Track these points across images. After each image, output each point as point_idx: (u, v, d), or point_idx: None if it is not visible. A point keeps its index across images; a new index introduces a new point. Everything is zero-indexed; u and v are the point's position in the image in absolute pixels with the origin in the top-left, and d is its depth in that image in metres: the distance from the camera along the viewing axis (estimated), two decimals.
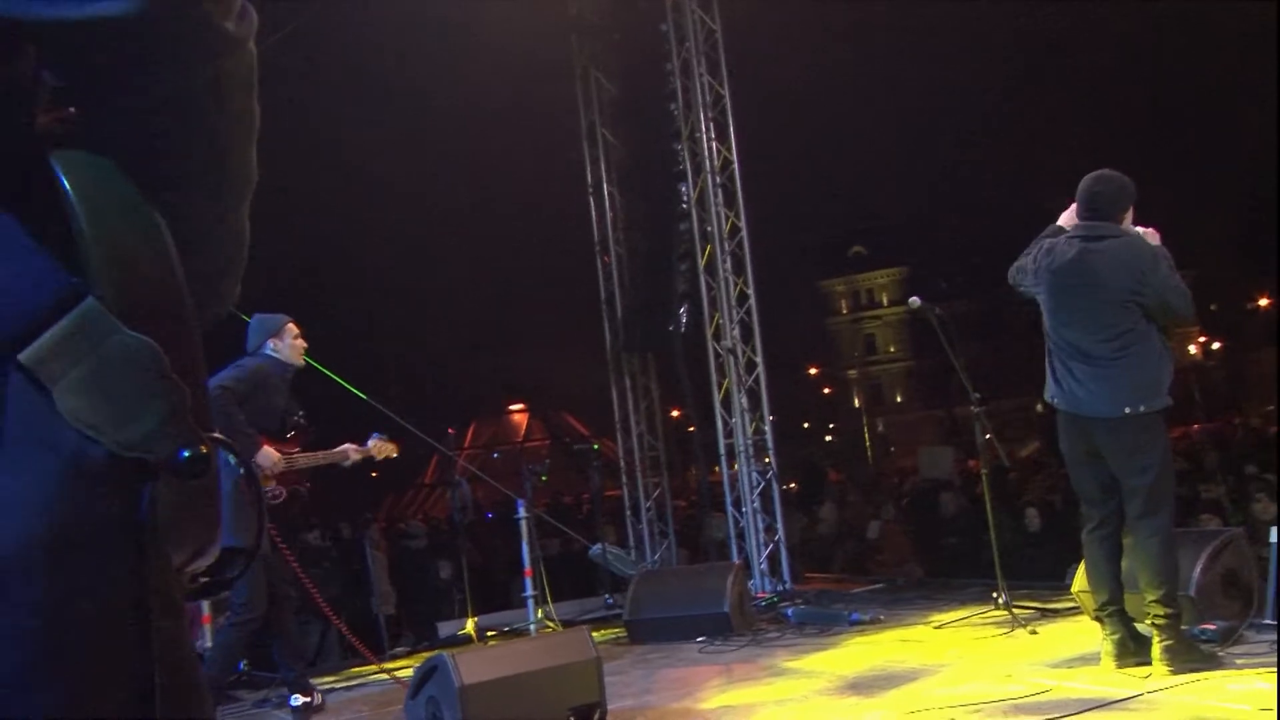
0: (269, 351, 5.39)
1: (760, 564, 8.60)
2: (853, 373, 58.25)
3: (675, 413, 14.92)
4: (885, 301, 57.77)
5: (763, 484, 8.72)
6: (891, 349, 58.45)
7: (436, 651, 4.85)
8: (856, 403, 57.52)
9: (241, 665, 6.72)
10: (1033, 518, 9.83)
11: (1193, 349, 49.99)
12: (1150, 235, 4.55)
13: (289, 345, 5.43)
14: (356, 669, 6.99)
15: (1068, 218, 4.69)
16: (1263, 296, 43.84)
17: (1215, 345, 47.52)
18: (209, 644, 6.60)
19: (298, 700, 5.49)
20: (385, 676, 6.22)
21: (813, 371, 56.13)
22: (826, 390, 57.53)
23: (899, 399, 57.83)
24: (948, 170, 48.95)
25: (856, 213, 56.70)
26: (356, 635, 9.18)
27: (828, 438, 54.55)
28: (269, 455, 5.23)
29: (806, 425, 54.38)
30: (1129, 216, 4.57)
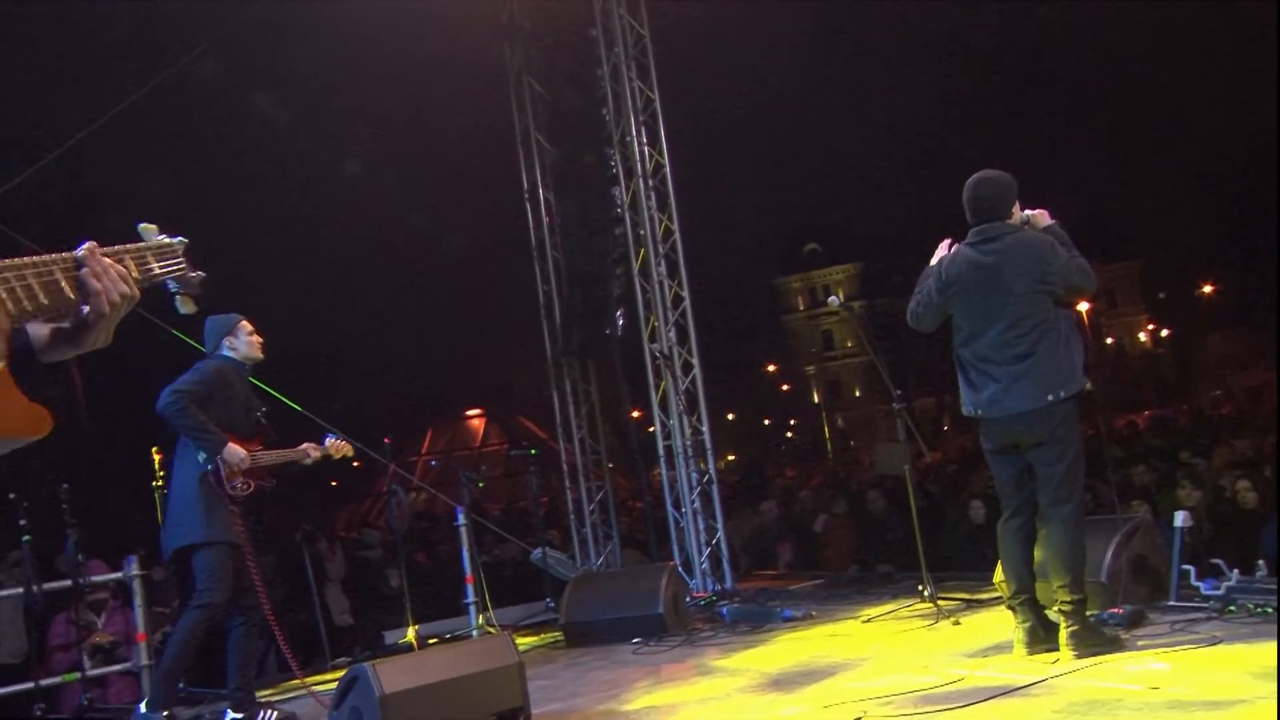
0: (225, 351, 5.46)
1: (701, 563, 8.68)
2: (811, 369, 58.62)
3: (635, 414, 14.99)
4: (841, 297, 58.18)
5: (700, 485, 8.79)
6: (849, 344, 58.77)
7: (359, 663, 4.87)
8: (815, 398, 57.89)
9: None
10: (977, 510, 9.97)
11: (1142, 336, 50.81)
12: (1041, 216, 4.68)
13: (244, 342, 5.49)
14: (293, 682, 6.97)
15: (943, 249, 4.81)
16: (1207, 283, 44.60)
17: (1164, 333, 48.29)
18: (144, 661, 6.57)
19: (232, 716, 5.48)
20: (321, 690, 6.21)
21: (771, 368, 56.41)
22: (785, 387, 57.83)
23: (857, 394, 58.23)
24: (899, 166, 49.42)
25: (810, 210, 57.13)
26: (301, 647, 9.18)
27: (788, 434, 54.89)
28: (236, 452, 5.28)
29: (767, 422, 54.70)
30: (1016, 211, 4.69)
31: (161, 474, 6.68)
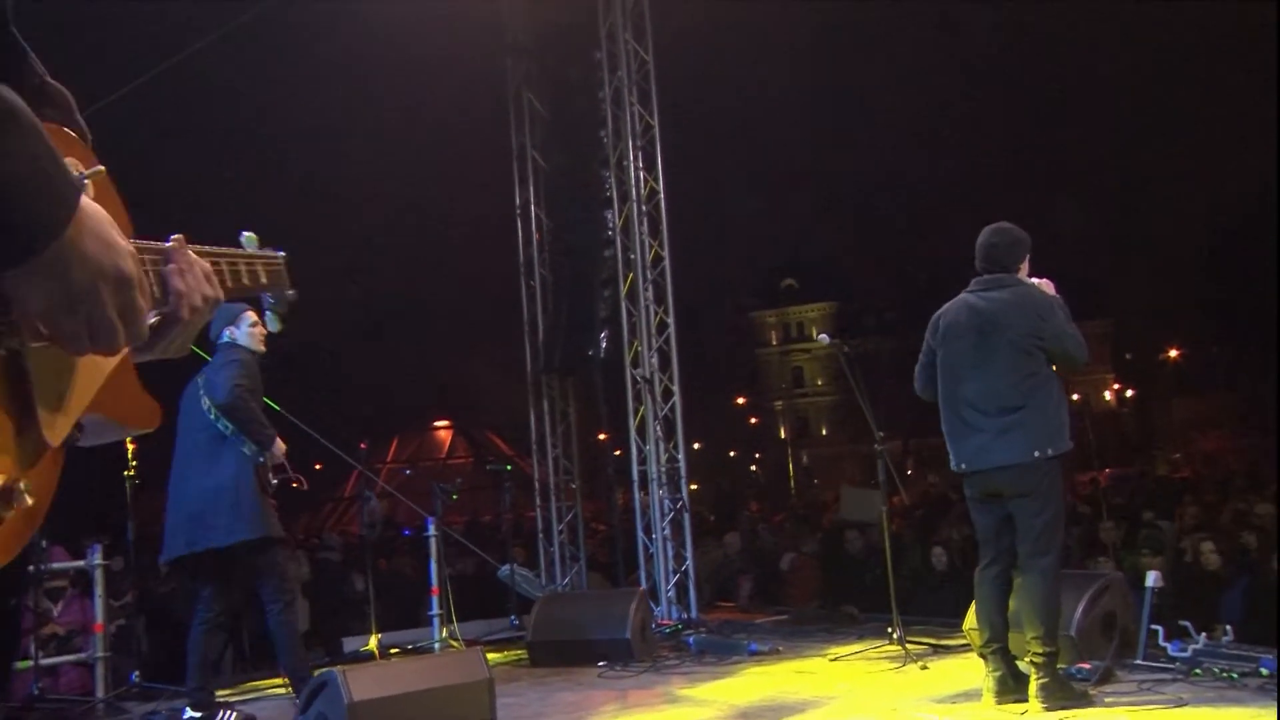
0: (225, 338, 5.44)
1: (668, 591, 8.67)
2: (779, 404, 58.78)
3: (602, 436, 14.97)
4: (814, 335, 58.41)
5: (673, 512, 8.80)
6: (819, 382, 59.06)
7: (331, 669, 4.82)
8: (782, 434, 58.04)
9: (134, 677, 6.59)
10: (939, 556, 10.03)
11: (1107, 395, 51.38)
12: (1045, 285, 4.73)
13: (245, 333, 5.47)
14: (252, 683, 6.89)
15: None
16: (1172, 348, 45.25)
17: (1129, 393, 48.87)
18: (99, 653, 6.46)
19: (191, 713, 5.40)
20: (280, 692, 6.15)
21: (740, 401, 56.52)
22: (753, 420, 57.94)
23: (824, 432, 58.43)
24: (879, 209, 49.88)
25: (790, 246, 57.48)
26: (257, 649, 9.07)
27: (753, 467, 54.93)
28: (280, 445, 5.34)
29: (732, 454, 54.72)
30: (1025, 267, 4.74)
31: (134, 463, 6.60)
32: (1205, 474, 21.94)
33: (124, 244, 0.96)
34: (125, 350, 1.07)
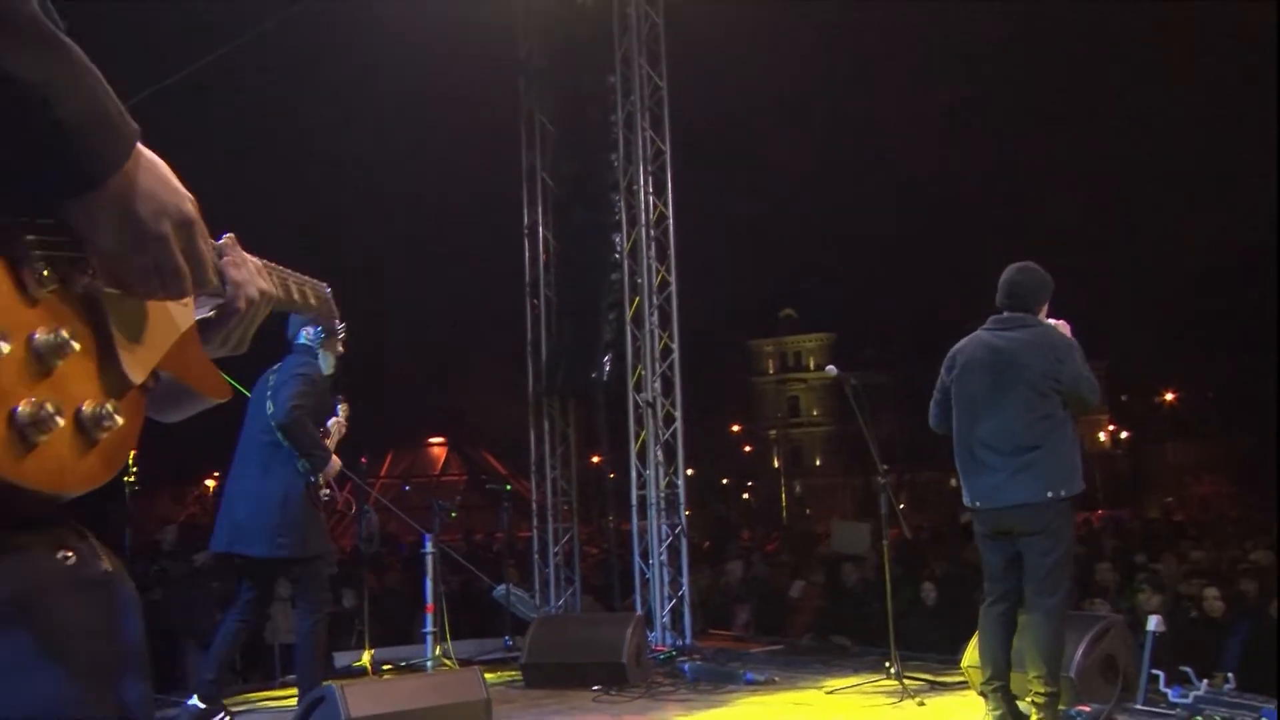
0: (302, 340, 5.39)
1: (663, 617, 8.63)
2: (774, 433, 58.75)
3: (596, 459, 14.94)
4: (811, 365, 58.50)
5: (671, 537, 8.77)
6: (814, 413, 59.12)
7: (328, 682, 4.79)
8: (776, 463, 57.96)
9: None
10: (929, 591, 10.00)
11: (1102, 436, 51.40)
12: (1062, 327, 4.73)
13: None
14: (241, 695, 6.84)
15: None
16: (1168, 391, 45.33)
17: (1123, 435, 48.92)
18: None
19: (195, 701, 5.35)
20: (270, 705, 6.11)
21: (735, 428, 56.49)
22: (747, 448, 57.90)
23: (818, 463, 58.42)
24: (881, 241, 50.06)
25: (790, 276, 57.62)
26: (249, 661, 9.01)
27: (745, 495, 54.84)
28: (335, 463, 5.33)
29: (726, 481, 54.63)
30: (1045, 309, 4.75)
31: (135, 469, 6.58)
32: (1200, 518, 21.98)
33: (183, 189, 1.00)
34: (193, 320, 1.10)
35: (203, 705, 5.22)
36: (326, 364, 5.34)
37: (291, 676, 8.05)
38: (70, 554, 0.94)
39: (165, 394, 1.10)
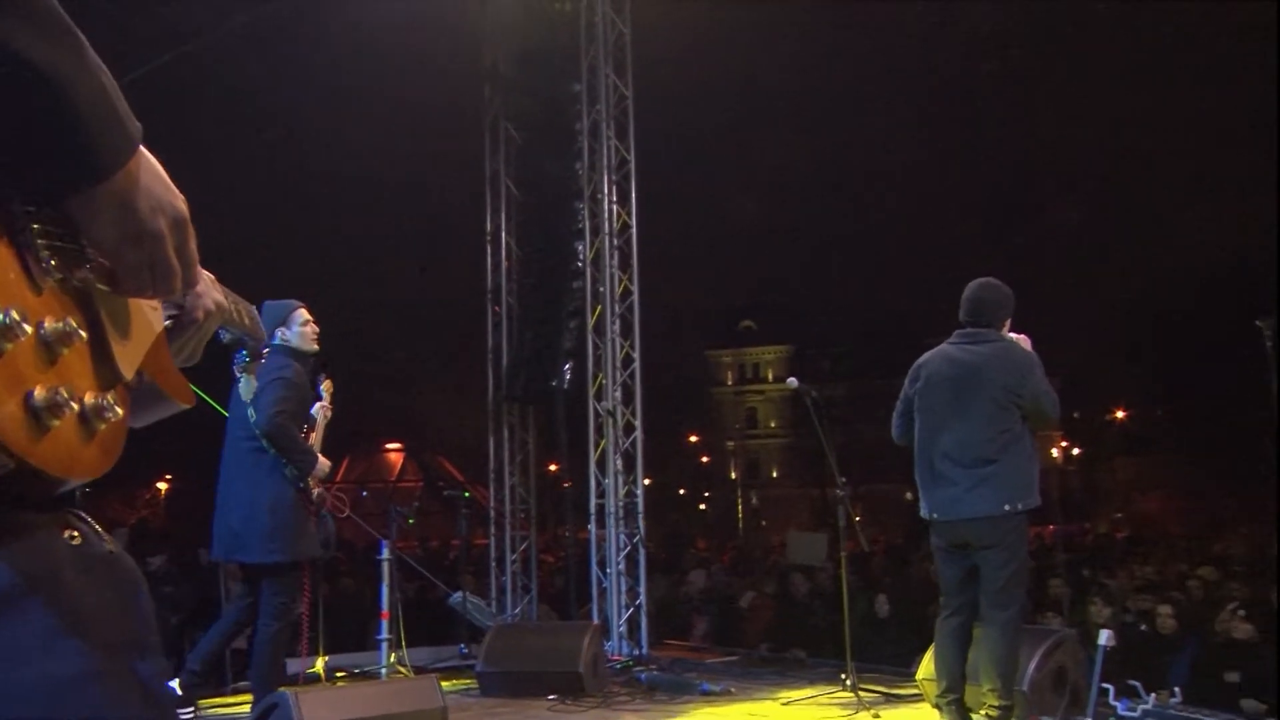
0: (277, 340, 5.26)
1: (619, 626, 8.62)
2: (731, 444, 58.90)
3: (553, 467, 14.90)
4: (770, 377, 58.77)
5: (629, 547, 8.77)
6: (772, 424, 59.32)
7: (282, 689, 4.74)
8: (733, 474, 58.11)
9: None
10: (882, 604, 10.09)
11: (1055, 452, 52.07)
12: (1023, 341, 4.81)
13: (298, 333, 5.29)
14: (196, 701, 6.72)
15: None
16: (1119, 408, 46.04)
17: (1075, 451, 49.56)
18: None
19: (174, 686, 5.26)
20: (223, 711, 6.02)
21: (693, 439, 56.56)
22: (705, 459, 57.98)
23: (774, 474, 58.61)
24: (841, 255, 50.42)
25: (750, 288, 57.82)
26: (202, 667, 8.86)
27: (701, 506, 54.91)
28: (323, 465, 5.25)
29: (682, 491, 54.68)
30: (1008, 324, 4.81)
31: None
32: (1146, 534, 22.35)
33: (176, 190, 1.02)
34: (162, 325, 1.12)
35: (179, 693, 5.14)
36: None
37: (244, 683, 7.96)
38: (76, 534, 0.95)
39: (139, 396, 1.11)
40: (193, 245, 1.03)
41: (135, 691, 0.94)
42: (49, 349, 0.89)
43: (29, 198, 0.90)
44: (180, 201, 1.01)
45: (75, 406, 0.90)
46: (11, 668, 0.85)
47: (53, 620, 0.88)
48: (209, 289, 1.23)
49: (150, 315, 1.12)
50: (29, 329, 0.86)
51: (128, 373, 1.04)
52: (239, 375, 5.21)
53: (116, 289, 1.00)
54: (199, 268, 1.17)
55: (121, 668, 0.94)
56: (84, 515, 0.98)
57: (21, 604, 0.87)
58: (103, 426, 0.95)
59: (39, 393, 0.86)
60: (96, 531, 0.99)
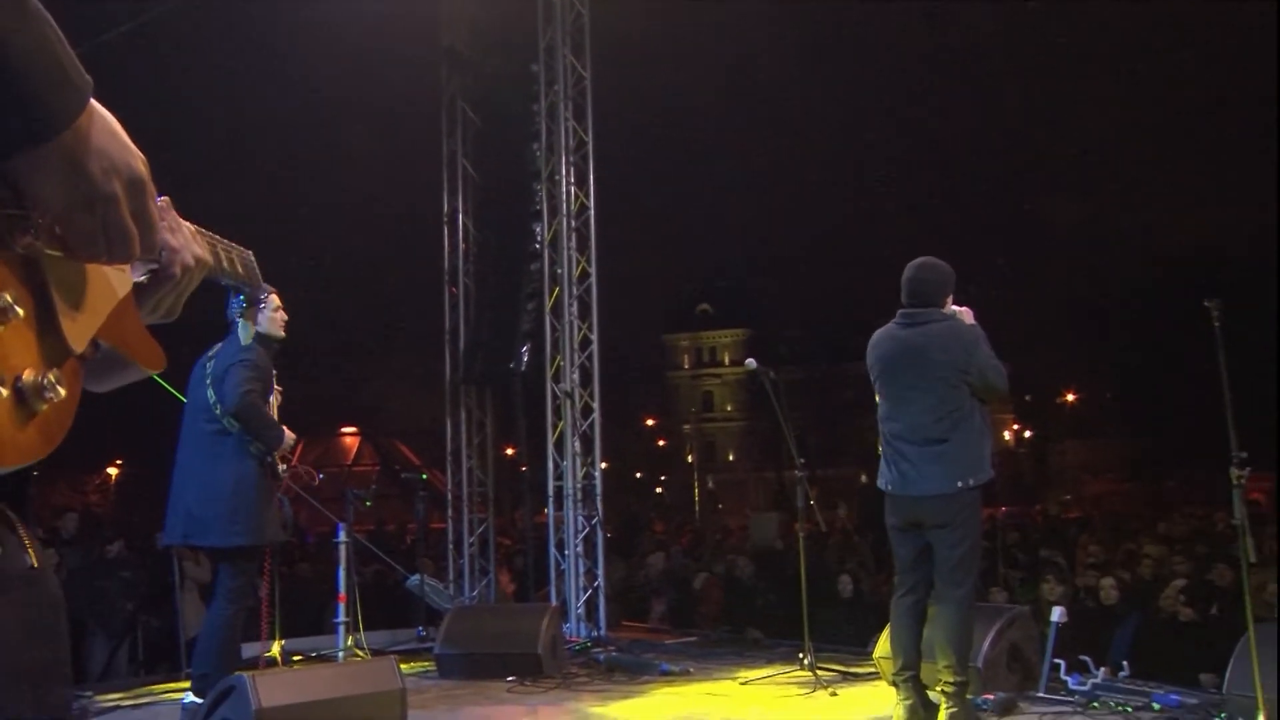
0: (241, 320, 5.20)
1: (577, 608, 8.63)
2: (688, 427, 59.07)
3: (510, 450, 14.85)
4: (726, 361, 58.96)
5: (587, 529, 8.77)
6: (728, 408, 59.55)
7: (238, 672, 4.69)
8: (689, 458, 58.30)
9: None
10: (845, 584, 10.18)
11: (1007, 435, 52.78)
12: (965, 314, 4.86)
13: (267, 318, 5.24)
14: (147, 687, 6.67)
15: None
16: (1069, 392, 46.73)
17: (1027, 434, 50.26)
18: None
19: (190, 699, 5.17)
20: (178, 696, 5.95)
21: (650, 422, 56.65)
22: (661, 442, 58.10)
23: (731, 458, 58.87)
24: (797, 239, 50.65)
25: (707, 272, 57.92)
26: (156, 653, 8.78)
27: (658, 489, 55.05)
28: (288, 439, 5.19)
29: (639, 475, 54.78)
30: (949, 301, 4.86)
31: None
32: (1094, 515, 22.74)
33: (133, 147, 0.95)
34: (130, 287, 1.06)
35: (199, 700, 5.04)
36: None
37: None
38: None
39: (100, 363, 1.06)
40: (152, 206, 0.96)
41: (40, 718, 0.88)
42: None
43: None
44: (138, 161, 0.94)
45: (5, 390, 0.84)
46: None
47: None
48: (189, 242, 1.14)
49: (113, 277, 1.06)
50: None
51: (78, 345, 0.98)
52: (235, 320, 5.17)
53: (68, 255, 0.93)
54: (172, 226, 1.12)
55: (25, 695, 0.88)
56: (15, 520, 0.92)
57: None
58: (43, 407, 0.89)
59: None
60: (23, 543, 0.92)
